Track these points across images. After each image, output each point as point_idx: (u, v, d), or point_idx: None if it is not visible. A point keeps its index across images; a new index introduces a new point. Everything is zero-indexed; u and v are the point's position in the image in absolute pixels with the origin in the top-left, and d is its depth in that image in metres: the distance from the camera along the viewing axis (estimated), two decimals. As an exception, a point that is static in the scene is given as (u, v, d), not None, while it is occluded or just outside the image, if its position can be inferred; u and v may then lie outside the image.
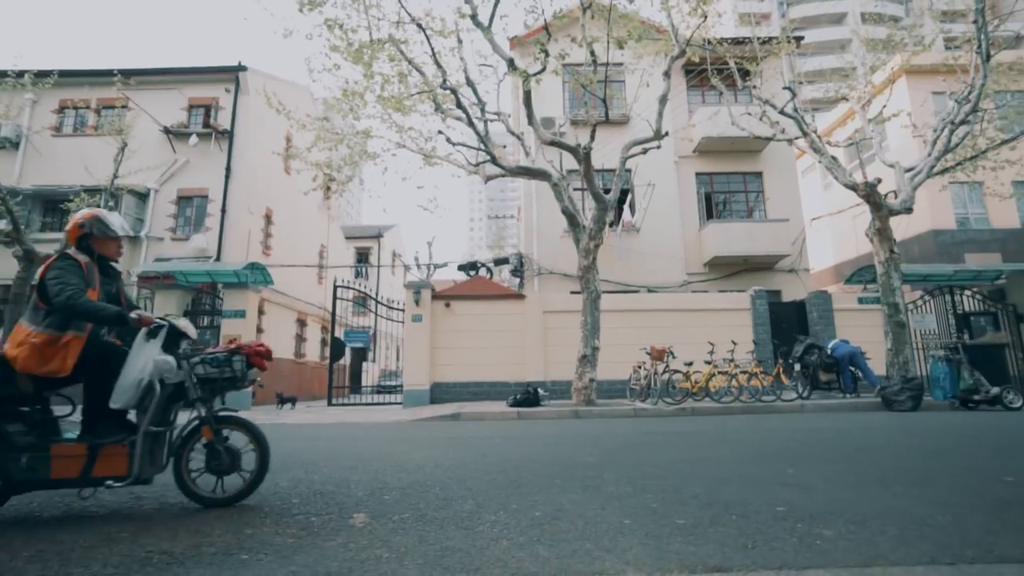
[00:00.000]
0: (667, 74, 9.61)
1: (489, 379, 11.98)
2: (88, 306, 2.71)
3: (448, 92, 8.87)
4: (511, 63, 8.57)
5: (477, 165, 10.01)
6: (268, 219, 17.97)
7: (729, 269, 15.48)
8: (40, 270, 2.82)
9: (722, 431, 6.41)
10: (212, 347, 3.12)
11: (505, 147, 9.94)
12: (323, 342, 21.74)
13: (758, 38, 12.24)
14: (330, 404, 12.34)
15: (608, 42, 8.20)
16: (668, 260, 15.42)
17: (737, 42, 12.79)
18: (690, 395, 10.14)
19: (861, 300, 12.98)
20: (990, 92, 12.57)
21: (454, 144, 9.76)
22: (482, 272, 15.31)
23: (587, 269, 9.78)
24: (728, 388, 9.88)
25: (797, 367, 10.26)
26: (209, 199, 15.83)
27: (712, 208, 16.34)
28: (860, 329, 12.26)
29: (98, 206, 12.32)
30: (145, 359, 2.75)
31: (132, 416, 2.86)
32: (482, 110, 10.06)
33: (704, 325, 12.15)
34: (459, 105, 8.95)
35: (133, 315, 2.78)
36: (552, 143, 9.12)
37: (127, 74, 15.96)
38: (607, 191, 16.02)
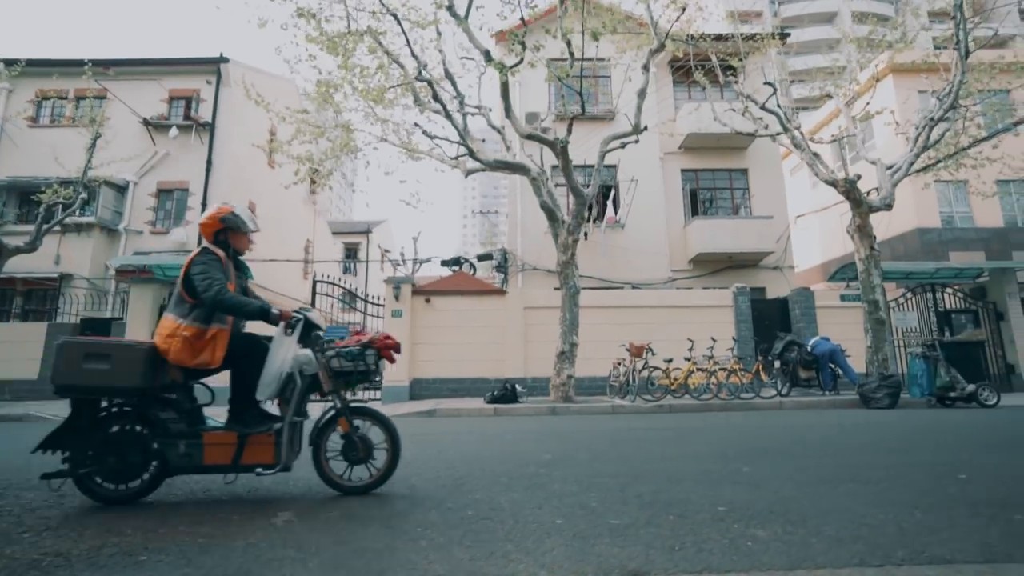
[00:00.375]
0: (646, 68, 9.51)
1: (469, 375, 11.87)
2: (234, 301, 2.83)
3: (424, 84, 8.72)
4: (487, 55, 8.44)
5: (456, 159, 9.87)
6: (251, 213, 17.72)
7: (714, 266, 15.45)
8: (184, 264, 2.91)
9: (694, 429, 6.34)
10: (341, 341, 3.18)
11: (484, 141, 9.80)
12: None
13: (741, 34, 12.15)
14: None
15: (583, 35, 8.07)
16: (653, 257, 15.35)
17: (720, 38, 12.69)
18: (669, 392, 10.09)
19: (843, 297, 12.97)
20: (973, 91, 12.59)
21: (431, 137, 9.62)
22: (465, 268, 15.19)
23: (566, 264, 9.69)
24: (707, 385, 9.82)
25: (777, 364, 10.22)
26: (189, 192, 15.60)
27: (697, 205, 16.29)
28: (843, 326, 12.24)
29: (71, 198, 12.10)
30: (285, 352, 2.87)
31: (265, 406, 2.98)
32: (461, 103, 9.93)
33: (686, 322, 12.08)
34: (436, 98, 8.82)
35: (275, 310, 2.90)
36: (530, 137, 9.00)
37: (106, 64, 15.70)
38: (602, 186, 15.97)
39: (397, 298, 11.98)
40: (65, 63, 15.48)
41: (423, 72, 8.63)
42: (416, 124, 9.71)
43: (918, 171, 11.34)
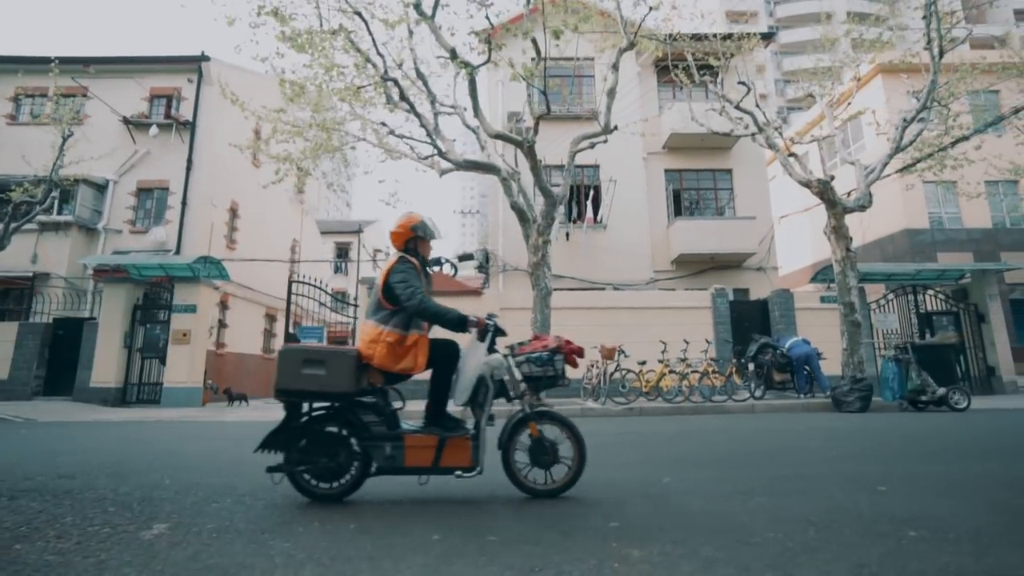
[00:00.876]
0: (615, 67, 9.40)
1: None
2: (436, 309, 2.94)
3: (391, 83, 8.62)
4: (453, 52, 8.34)
5: (426, 158, 9.78)
6: (234, 212, 17.67)
7: (696, 267, 15.36)
8: (383, 272, 3.05)
9: (652, 433, 6.26)
10: (522, 347, 3.22)
11: (455, 140, 9.70)
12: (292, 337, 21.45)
13: (716, 35, 12.06)
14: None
15: (545, 33, 7.98)
16: (635, 257, 15.26)
17: (698, 38, 12.59)
18: (642, 394, 10.00)
19: (823, 299, 12.88)
20: (958, 91, 12.49)
21: (398, 136, 9.52)
22: (446, 268, 15.04)
23: (536, 265, 9.60)
24: (679, 388, 9.73)
25: (751, 367, 10.13)
26: (170, 191, 15.52)
27: (681, 205, 16.20)
28: (823, 328, 12.15)
29: (45, 196, 12.00)
30: (478, 358, 2.98)
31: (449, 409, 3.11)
32: (432, 102, 9.83)
33: (665, 323, 11.99)
34: (403, 97, 8.72)
35: (472, 318, 2.97)
36: (497, 136, 8.91)
37: (86, 62, 15.62)
38: (574, 187, 15.86)
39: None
40: (39, 60, 15.38)
41: (389, 71, 8.52)
42: (383, 123, 9.61)
43: (898, 172, 11.25)
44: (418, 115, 9.01)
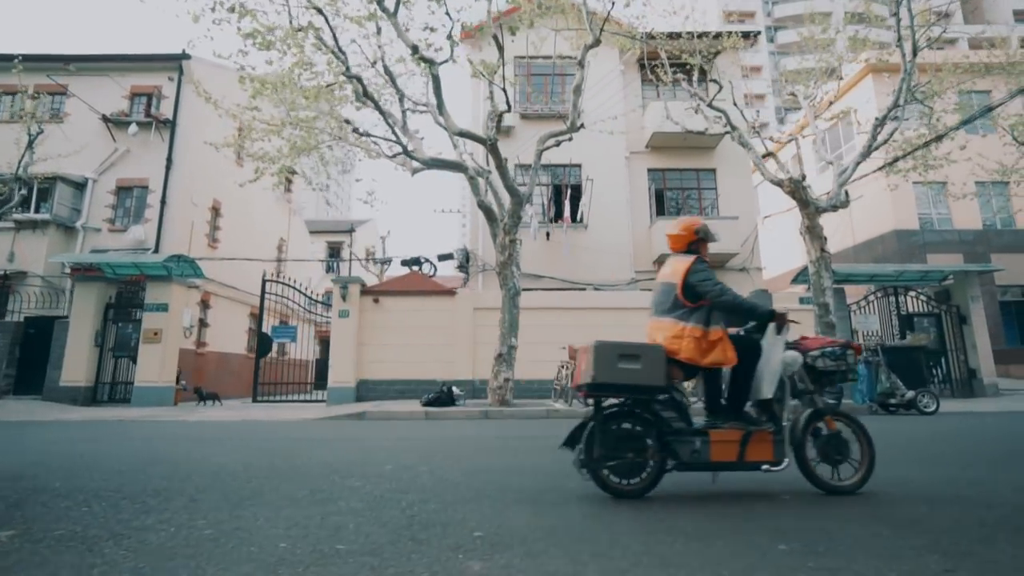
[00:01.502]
0: (581, 63, 9.29)
1: (416, 377, 11.67)
2: (747, 304, 3.06)
3: (355, 80, 8.52)
4: (415, 49, 8.23)
5: (394, 156, 9.68)
6: (216, 211, 17.59)
7: (678, 267, 15.20)
8: (680, 272, 3.16)
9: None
10: (806, 340, 3.27)
11: (423, 139, 9.59)
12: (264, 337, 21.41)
13: (692, 32, 11.94)
14: (255, 401, 12.02)
15: (503, 32, 7.87)
16: (616, 257, 15.14)
17: (675, 36, 12.47)
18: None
19: (802, 300, 12.73)
20: (941, 89, 12.35)
21: (361, 135, 9.42)
22: (426, 267, 15.00)
23: (504, 265, 9.49)
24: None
25: (721, 368, 9.98)
26: (149, 190, 15.45)
27: (664, 205, 16.07)
28: (801, 329, 11.86)
29: (11, 194, 11.94)
30: (777, 352, 3.00)
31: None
32: (401, 99, 9.74)
33: (641, 324, 11.84)
34: (366, 94, 8.61)
35: (779, 310, 3.06)
36: (460, 134, 8.80)
37: (66, 60, 15.57)
38: (556, 186, 15.75)
39: (344, 298, 11.80)
40: (26, 58, 15.33)
41: (352, 69, 8.42)
42: (347, 121, 9.51)
43: (876, 171, 11.10)
44: (383, 113, 8.91)
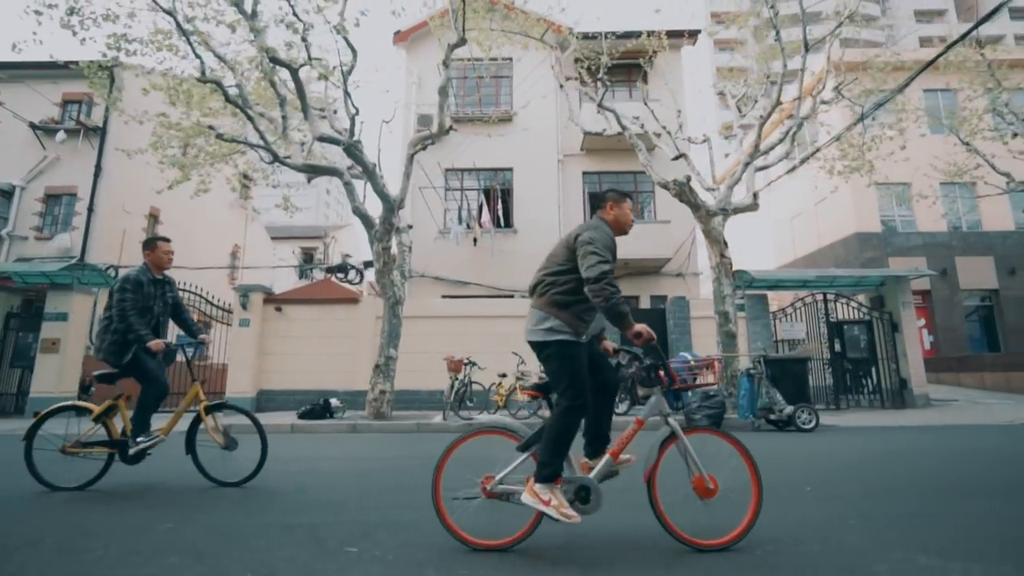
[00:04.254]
0: (445, 64, 8.94)
1: (318, 387, 11.36)
2: None
3: (211, 84, 8.26)
4: (266, 51, 7.95)
5: (271, 163, 9.40)
6: (154, 219, 17.48)
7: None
8: None
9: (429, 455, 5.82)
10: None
11: (302, 144, 9.30)
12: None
13: (611, 33, 11.60)
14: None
15: (339, 33, 7.56)
16: (546, 263, 14.73)
17: (590, 37, 12.12)
18: (497, 408, 9.52)
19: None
20: (874, 91, 11.88)
21: (227, 140, 9.15)
22: (351, 274, 14.71)
23: (381, 273, 9.16)
24: (528, 402, 9.21)
25: (612, 380, 9.55)
26: (78, 197, 15.36)
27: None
28: (704, 338, 11.52)
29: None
30: None
31: None
32: (282, 104, 9.46)
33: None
34: (228, 99, 8.35)
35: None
36: (320, 139, 8.49)
37: (-2, 68, 15.57)
38: (486, 191, 15.41)
39: (245, 307, 11.56)
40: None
41: (206, 72, 8.16)
42: (211, 127, 9.25)
43: (786, 173, 10.62)
44: (250, 118, 8.64)
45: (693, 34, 15.61)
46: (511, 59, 15.75)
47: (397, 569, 2.28)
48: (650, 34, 12.22)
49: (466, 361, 9.38)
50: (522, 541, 2.52)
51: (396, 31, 16.02)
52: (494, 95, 16.01)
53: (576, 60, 14.79)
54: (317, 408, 9.19)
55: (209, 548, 2.56)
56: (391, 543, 2.63)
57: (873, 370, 12.05)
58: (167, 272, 4.44)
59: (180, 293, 12.19)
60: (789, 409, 7.83)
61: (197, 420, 4.21)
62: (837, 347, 12.04)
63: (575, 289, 2.63)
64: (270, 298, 11.92)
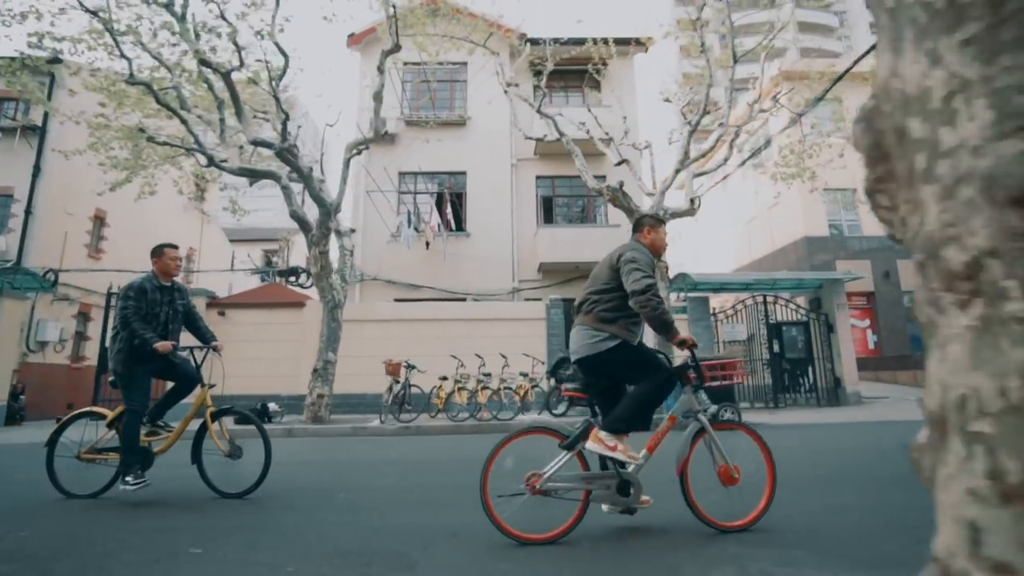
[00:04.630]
0: (380, 70, 8.99)
1: (262, 392, 11.19)
2: None
3: (141, 87, 8.14)
4: (196, 54, 7.87)
5: (207, 166, 9.28)
6: (100, 220, 16.99)
7: (562, 276, 14.97)
8: None
9: (372, 458, 5.87)
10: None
11: (240, 147, 9.23)
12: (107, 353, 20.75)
13: (556, 39, 11.78)
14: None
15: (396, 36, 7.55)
16: (499, 266, 14.86)
17: (535, 42, 12.30)
18: (438, 411, 9.57)
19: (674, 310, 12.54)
20: (810, 98, 12.33)
21: (159, 143, 9.02)
22: (303, 278, 14.57)
23: (319, 277, 9.13)
24: (468, 404, 9.29)
25: (551, 381, 9.71)
26: (14, 199, 14.84)
27: (553, 212, 15.85)
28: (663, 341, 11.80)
29: None
30: None
31: None
32: (220, 107, 9.35)
33: (497, 336, 11.56)
34: (158, 101, 8.22)
35: None
36: (254, 142, 8.44)
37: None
38: (438, 194, 15.45)
39: (185, 311, 11.34)
40: None
41: (133, 74, 8.04)
42: (141, 130, 9.10)
43: (721, 180, 10.96)
44: (184, 120, 8.52)
45: (641, 42, 15.94)
46: (465, 63, 15.84)
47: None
48: (596, 41, 12.47)
49: (405, 364, 9.40)
50: (567, 534, 2.70)
51: (350, 34, 15.95)
52: (448, 99, 16.07)
53: (531, 64, 15.02)
54: (255, 413, 9.08)
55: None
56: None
57: (810, 369, 12.49)
58: (176, 279, 4.27)
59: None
60: (713, 408, 8.05)
61: (203, 428, 4.02)
62: (776, 348, 12.45)
63: (620, 306, 2.94)
64: (213, 302, 11.74)
